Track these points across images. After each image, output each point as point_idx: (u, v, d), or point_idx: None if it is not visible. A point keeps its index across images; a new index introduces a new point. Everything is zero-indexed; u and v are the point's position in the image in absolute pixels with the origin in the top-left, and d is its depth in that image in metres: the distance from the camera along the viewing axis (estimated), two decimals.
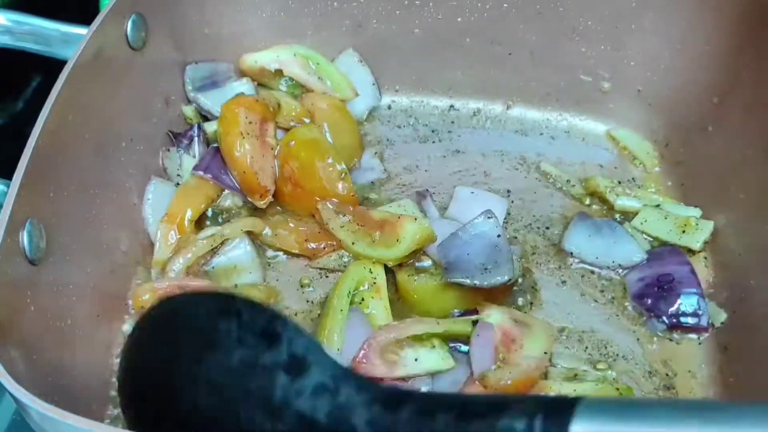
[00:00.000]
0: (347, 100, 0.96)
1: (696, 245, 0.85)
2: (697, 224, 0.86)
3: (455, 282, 0.78)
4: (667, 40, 0.92)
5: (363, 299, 0.80)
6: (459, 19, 0.96)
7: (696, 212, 0.88)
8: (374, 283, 0.81)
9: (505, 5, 0.94)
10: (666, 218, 0.87)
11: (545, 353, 0.75)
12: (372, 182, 0.94)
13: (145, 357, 0.54)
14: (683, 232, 0.85)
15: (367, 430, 0.46)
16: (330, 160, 0.85)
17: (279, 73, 0.95)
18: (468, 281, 0.78)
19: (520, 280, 0.84)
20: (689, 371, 0.79)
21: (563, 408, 0.41)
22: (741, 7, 0.84)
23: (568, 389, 0.74)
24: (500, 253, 0.78)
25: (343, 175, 0.85)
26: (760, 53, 0.82)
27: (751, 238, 0.81)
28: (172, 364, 0.51)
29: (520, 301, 0.84)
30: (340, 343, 0.76)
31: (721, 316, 0.80)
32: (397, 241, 0.81)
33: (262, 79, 0.96)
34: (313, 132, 0.88)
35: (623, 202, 0.90)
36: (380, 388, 0.49)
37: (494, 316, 0.78)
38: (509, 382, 0.72)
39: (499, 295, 0.81)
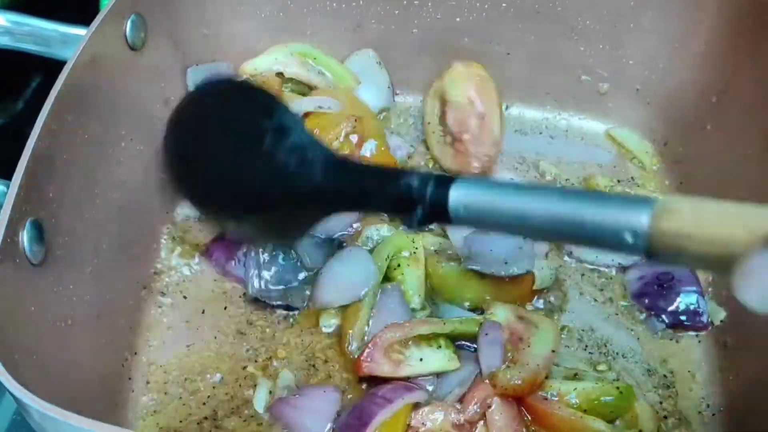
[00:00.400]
0: (352, 89, 0.96)
1: None
2: None
3: (473, 269, 0.80)
4: (665, 39, 0.92)
5: (399, 265, 0.82)
6: (458, 19, 0.96)
7: None
8: (414, 252, 0.84)
9: (503, 5, 0.94)
10: None
11: (552, 351, 0.76)
12: (408, 156, 0.97)
13: (183, 117, 0.73)
14: None
15: (320, 178, 0.64)
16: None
17: (281, 75, 0.95)
18: (485, 269, 0.80)
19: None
20: (689, 370, 0.80)
21: (447, 178, 0.57)
22: (738, 6, 0.84)
23: (568, 388, 0.74)
24: (522, 253, 0.80)
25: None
26: (758, 52, 0.82)
27: None
28: (200, 122, 0.72)
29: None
30: (372, 303, 0.80)
31: (721, 314, 0.81)
32: None
33: (268, 85, 0.95)
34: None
35: None
36: (336, 155, 0.67)
37: (500, 314, 0.78)
38: (519, 381, 0.73)
39: (521, 294, 0.82)
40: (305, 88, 0.96)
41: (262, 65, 0.95)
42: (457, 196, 0.56)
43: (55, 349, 0.67)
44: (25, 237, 0.63)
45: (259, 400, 0.77)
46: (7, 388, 0.53)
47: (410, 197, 0.58)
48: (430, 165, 0.95)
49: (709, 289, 0.83)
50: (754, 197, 0.81)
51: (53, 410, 0.51)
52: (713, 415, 0.76)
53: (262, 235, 0.80)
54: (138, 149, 0.84)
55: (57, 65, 0.72)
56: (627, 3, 0.91)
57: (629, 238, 0.47)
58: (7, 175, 0.64)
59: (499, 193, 0.55)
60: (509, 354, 0.75)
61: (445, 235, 0.87)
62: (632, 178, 0.95)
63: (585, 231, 0.50)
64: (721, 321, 0.81)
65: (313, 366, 0.80)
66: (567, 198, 0.52)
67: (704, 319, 0.80)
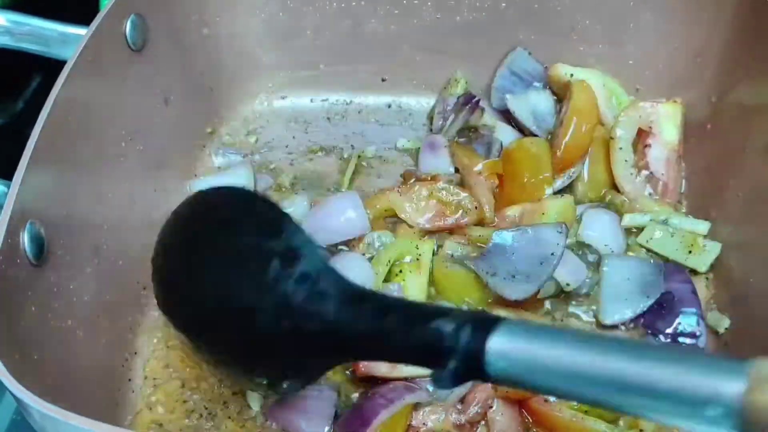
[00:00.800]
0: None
1: (702, 268, 0.83)
2: (704, 245, 0.83)
3: (476, 272, 0.78)
4: (664, 38, 0.92)
5: (401, 271, 0.81)
6: (457, 18, 0.96)
7: (704, 226, 0.85)
8: (418, 258, 0.82)
9: (503, 4, 0.94)
10: (673, 236, 0.84)
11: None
12: None
13: (173, 238, 0.66)
14: (689, 252, 0.83)
15: (333, 316, 0.55)
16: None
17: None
18: (484, 276, 0.77)
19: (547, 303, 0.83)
20: None
21: (488, 322, 0.48)
22: (738, 5, 0.84)
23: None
24: (541, 270, 0.76)
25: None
26: (758, 51, 0.82)
27: (750, 235, 0.81)
28: (193, 243, 0.64)
29: None
30: None
31: (725, 323, 0.79)
32: (543, 214, 0.82)
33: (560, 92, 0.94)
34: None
35: (631, 220, 0.86)
36: (351, 286, 0.57)
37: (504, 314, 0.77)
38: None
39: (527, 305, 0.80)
40: None
41: (572, 74, 0.94)
42: (500, 345, 0.46)
43: (55, 349, 0.67)
44: (25, 237, 0.63)
45: (254, 400, 0.77)
46: (8, 388, 0.53)
47: (441, 345, 0.48)
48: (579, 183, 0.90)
49: (711, 300, 0.83)
50: (754, 196, 0.81)
51: (53, 410, 0.51)
52: None
53: (261, 376, 0.72)
54: (138, 149, 0.84)
55: (57, 65, 0.72)
56: (627, 3, 0.91)
57: (713, 413, 0.39)
58: (7, 175, 0.64)
59: (553, 344, 0.46)
60: None
61: (468, 244, 0.85)
62: None
63: (657, 400, 0.41)
64: (726, 329, 0.79)
65: None
66: (637, 355, 0.43)
67: (702, 341, 0.78)
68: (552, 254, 0.77)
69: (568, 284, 0.79)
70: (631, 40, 0.93)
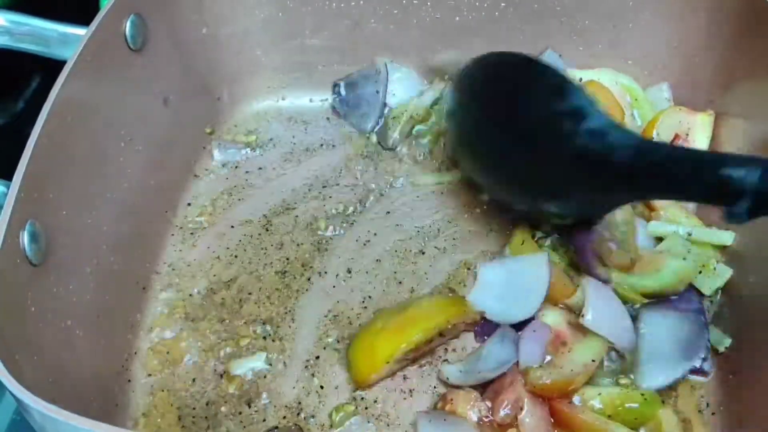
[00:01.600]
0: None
1: (708, 291, 0.80)
2: (715, 269, 0.81)
3: None
4: (664, 38, 0.92)
5: None
6: (457, 18, 0.96)
7: (729, 236, 0.82)
8: None
9: (502, 4, 0.94)
10: (685, 258, 0.81)
11: (593, 360, 0.75)
12: None
13: (469, 98, 0.76)
14: (699, 272, 0.81)
15: (625, 165, 0.63)
16: None
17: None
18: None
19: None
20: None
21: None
22: (737, 5, 0.84)
23: (593, 393, 0.74)
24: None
25: None
26: (756, 50, 0.82)
27: (748, 235, 0.81)
28: (490, 103, 0.73)
29: None
30: None
31: (726, 342, 0.78)
32: (657, 271, 0.80)
33: None
34: None
35: (656, 228, 0.85)
36: (637, 138, 0.66)
37: (551, 317, 0.78)
38: (548, 381, 0.73)
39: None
40: None
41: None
42: None
43: (55, 349, 0.67)
44: (25, 237, 0.63)
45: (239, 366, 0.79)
46: (8, 388, 0.53)
47: (732, 188, 0.54)
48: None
49: (713, 317, 0.81)
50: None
51: (53, 410, 0.51)
52: (713, 414, 0.76)
53: (560, 214, 0.78)
54: (137, 149, 0.84)
55: (57, 65, 0.72)
56: (626, 3, 0.91)
57: None
58: (7, 176, 0.64)
59: None
60: (549, 355, 0.75)
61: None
62: None
63: None
64: (726, 348, 0.78)
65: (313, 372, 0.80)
66: None
67: (707, 366, 0.77)
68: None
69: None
70: (631, 40, 0.93)
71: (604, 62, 0.95)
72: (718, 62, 0.88)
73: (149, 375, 0.79)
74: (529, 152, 0.67)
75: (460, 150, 0.75)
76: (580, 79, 0.93)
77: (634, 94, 0.95)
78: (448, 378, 0.76)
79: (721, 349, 0.78)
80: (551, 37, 0.95)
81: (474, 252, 0.87)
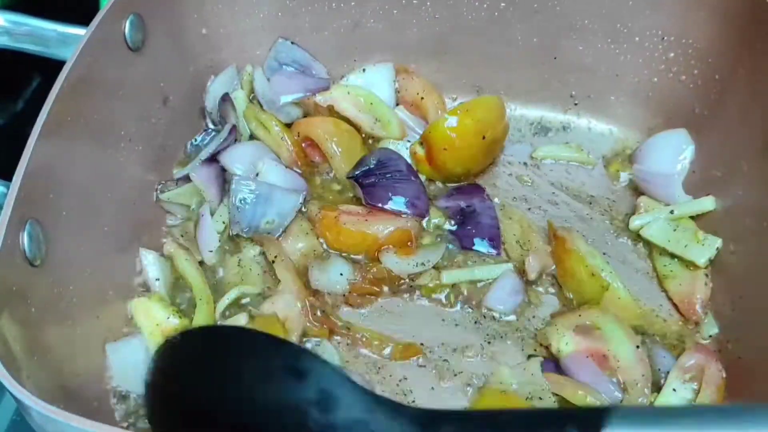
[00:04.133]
0: (395, 139, 0.95)
1: (701, 261, 0.83)
2: (704, 239, 0.84)
3: None
4: (664, 36, 0.92)
5: None
6: (456, 19, 0.96)
7: (709, 202, 0.86)
8: None
9: (502, 4, 0.94)
10: (675, 230, 0.85)
11: (637, 347, 0.76)
12: None
13: (173, 387, 0.55)
14: (685, 246, 0.84)
15: None
16: None
17: (330, 108, 0.94)
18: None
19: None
20: None
21: (594, 418, 0.43)
22: (736, 3, 0.84)
23: None
24: None
25: None
26: (756, 49, 0.82)
27: (748, 234, 0.81)
28: (203, 398, 0.52)
29: None
30: None
31: (713, 329, 0.81)
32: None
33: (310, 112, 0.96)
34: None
35: (639, 221, 0.88)
36: (414, 411, 0.49)
37: (569, 342, 0.77)
38: (646, 401, 0.73)
39: None
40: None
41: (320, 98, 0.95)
42: None
43: (56, 348, 0.67)
44: (25, 238, 0.63)
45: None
46: (7, 388, 0.53)
47: None
48: None
49: (709, 302, 0.83)
50: (754, 195, 0.81)
51: (53, 410, 0.52)
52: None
53: None
54: (137, 149, 0.84)
55: (57, 65, 0.72)
56: (625, 2, 0.91)
57: None
58: (7, 176, 0.64)
59: (665, 426, 0.43)
60: (611, 377, 0.75)
61: None
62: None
63: None
64: (710, 336, 0.81)
65: None
66: (740, 421, 0.43)
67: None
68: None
69: None
70: (630, 39, 0.93)
71: (603, 61, 0.95)
72: (719, 61, 0.88)
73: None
74: None
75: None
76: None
77: (368, 100, 0.95)
78: None
79: (710, 333, 0.81)
80: (551, 37, 0.95)
81: None
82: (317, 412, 0.48)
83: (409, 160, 0.92)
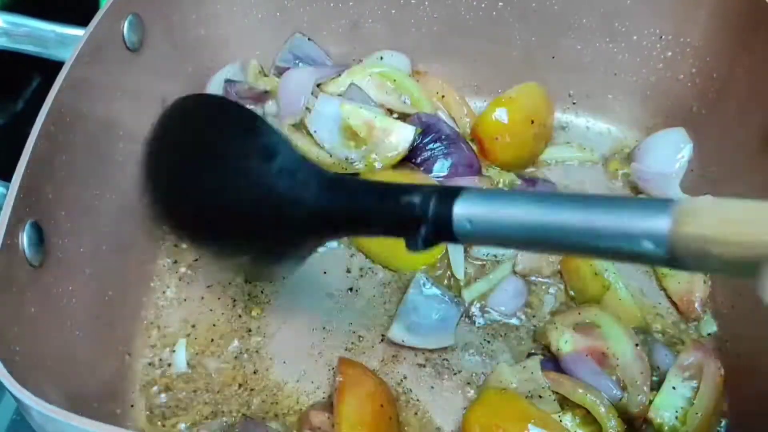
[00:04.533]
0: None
1: None
2: None
3: None
4: (662, 35, 0.92)
5: None
6: (455, 18, 0.96)
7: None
8: None
9: (500, 4, 0.94)
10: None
11: (636, 345, 0.76)
12: None
13: (161, 144, 0.69)
14: None
15: (313, 201, 0.60)
16: None
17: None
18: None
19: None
20: None
21: (451, 192, 0.53)
22: (733, 2, 0.84)
23: None
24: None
25: None
26: (755, 47, 0.82)
27: None
28: (181, 145, 0.68)
29: None
30: None
31: (712, 327, 0.81)
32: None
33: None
34: None
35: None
36: (328, 174, 0.63)
37: (568, 340, 0.77)
38: (646, 399, 0.73)
39: None
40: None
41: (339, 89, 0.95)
42: (463, 210, 0.52)
43: (55, 349, 0.67)
44: (24, 239, 0.63)
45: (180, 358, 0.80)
46: (7, 388, 0.53)
47: (412, 215, 0.54)
48: None
49: (708, 301, 0.83)
50: (754, 192, 0.81)
51: (53, 410, 0.52)
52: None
53: (254, 262, 0.77)
54: (136, 149, 0.83)
55: (56, 66, 0.72)
56: (623, 1, 0.91)
57: (649, 246, 0.45)
58: (7, 176, 0.64)
59: (507, 205, 0.52)
60: (611, 375, 0.75)
61: None
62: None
63: (601, 241, 0.47)
64: (709, 334, 0.81)
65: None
66: (580, 206, 0.49)
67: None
68: None
69: None
70: (629, 38, 0.93)
71: (603, 61, 0.95)
72: (718, 59, 0.88)
73: (149, 375, 0.79)
74: (225, 194, 0.63)
75: (159, 200, 0.69)
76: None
77: (390, 77, 0.96)
78: None
79: (704, 333, 0.81)
80: (549, 36, 0.95)
81: None
82: (259, 159, 0.63)
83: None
